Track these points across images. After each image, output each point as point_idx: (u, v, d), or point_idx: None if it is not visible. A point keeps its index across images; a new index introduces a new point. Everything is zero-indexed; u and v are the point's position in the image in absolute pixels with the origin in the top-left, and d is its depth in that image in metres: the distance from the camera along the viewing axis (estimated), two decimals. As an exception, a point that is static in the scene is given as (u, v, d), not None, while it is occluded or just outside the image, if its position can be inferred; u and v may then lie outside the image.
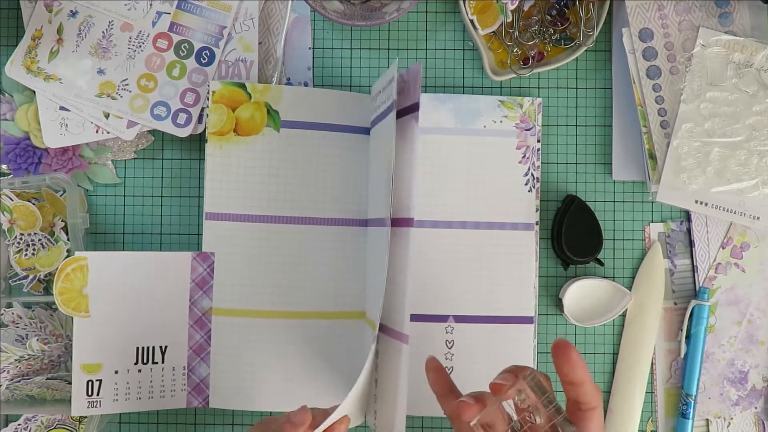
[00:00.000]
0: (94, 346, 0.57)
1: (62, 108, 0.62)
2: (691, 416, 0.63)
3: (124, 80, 0.62)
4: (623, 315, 0.64)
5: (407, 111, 0.53)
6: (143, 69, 0.62)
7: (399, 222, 0.53)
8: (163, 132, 0.62)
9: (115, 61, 0.62)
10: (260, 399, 0.59)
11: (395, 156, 0.52)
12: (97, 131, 0.62)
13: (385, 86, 0.55)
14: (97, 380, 0.57)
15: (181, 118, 0.62)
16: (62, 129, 0.62)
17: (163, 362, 0.59)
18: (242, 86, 0.60)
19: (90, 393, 0.57)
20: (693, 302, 0.63)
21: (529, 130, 0.63)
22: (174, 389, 0.59)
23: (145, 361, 0.59)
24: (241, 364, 0.59)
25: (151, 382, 0.59)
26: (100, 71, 0.62)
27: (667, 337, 0.64)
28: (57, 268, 0.56)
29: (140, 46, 0.62)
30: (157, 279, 0.58)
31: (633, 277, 0.64)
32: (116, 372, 0.58)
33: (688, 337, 0.63)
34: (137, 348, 0.58)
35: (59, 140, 0.62)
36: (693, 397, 0.62)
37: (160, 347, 0.59)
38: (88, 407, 0.57)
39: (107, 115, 0.62)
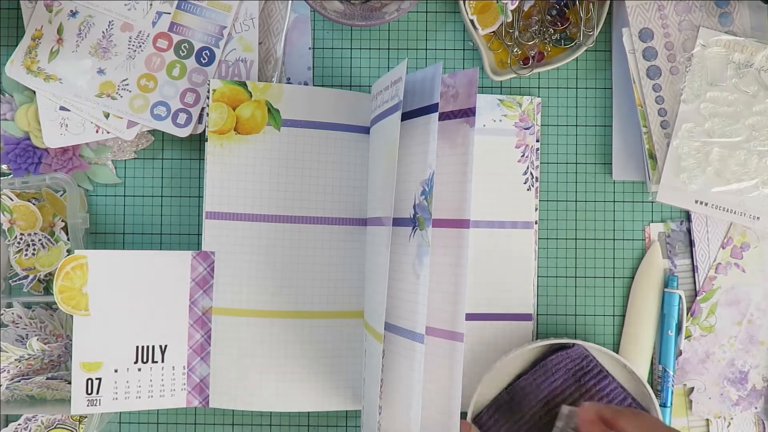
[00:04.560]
0: (93, 344, 0.57)
1: (62, 108, 0.62)
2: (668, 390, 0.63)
3: (124, 80, 0.62)
4: (623, 315, 0.64)
5: (455, 115, 0.53)
6: (143, 69, 0.62)
7: (455, 223, 0.53)
8: (163, 132, 0.62)
9: (115, 61, 0.62)
10: (260, 399, 0.59)
11: (436, 158, 0.52)
12: (97, 131, 0.62)
13: (389, 86, 0.55)
14: (96, 379, 0.57)
15: (181, 118, 0.62)
16: (62, 129, 0.62)
17: (162, 361, 0.59)
18: (243, 85, 0.60)
19: (90, 391, 0.57)
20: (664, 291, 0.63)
21: (528, 129, 0.63)
22: (174, 389, 0.59)
23: (144, 360, 0.58)
24: (241, 364, 0.59)
25: (150, 381, 0.59)
26: (100, 71, 0.62)
27: (667, 337, 0.64)
28: (57, 268, 0.56)
29: (140, 46, 0.62)
30: (157, 278, 0.58)
31: (633, 277, 0.64)
32: (116, 371, 0.58)
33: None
34: (137, 347, 0.58)
35: (59, 140, 0.62)
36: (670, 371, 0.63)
37: (160, 346, 0.59)
38: (87, 405, 0.57)
39: (107, 115, 0.62)
